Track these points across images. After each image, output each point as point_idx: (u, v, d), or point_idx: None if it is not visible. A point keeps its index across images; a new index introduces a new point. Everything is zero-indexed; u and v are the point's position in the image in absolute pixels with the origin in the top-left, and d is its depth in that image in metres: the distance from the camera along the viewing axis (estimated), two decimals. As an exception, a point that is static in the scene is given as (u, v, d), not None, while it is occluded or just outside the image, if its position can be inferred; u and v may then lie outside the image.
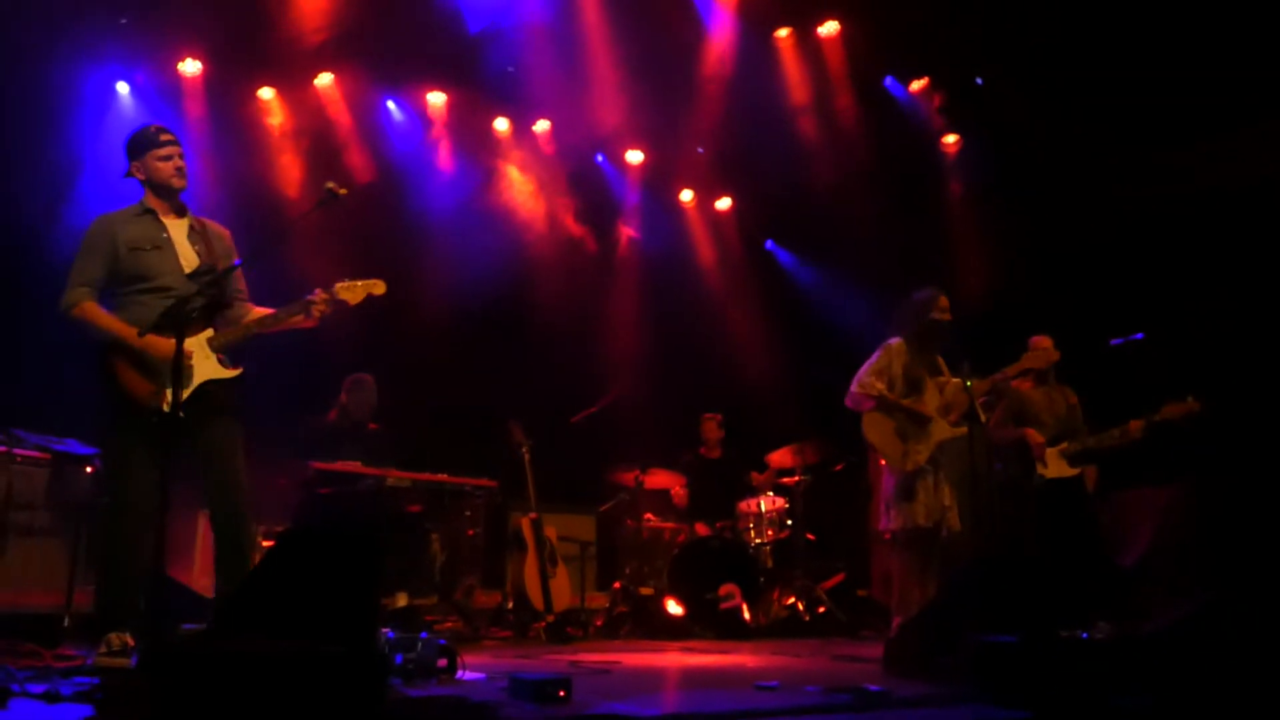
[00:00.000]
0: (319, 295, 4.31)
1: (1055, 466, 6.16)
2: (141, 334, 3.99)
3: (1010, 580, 4.27)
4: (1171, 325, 6.64)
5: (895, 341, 5.76)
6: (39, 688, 3.06)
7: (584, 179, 9.62)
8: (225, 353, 4.28)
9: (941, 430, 5.56)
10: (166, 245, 4.28)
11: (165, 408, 4.02)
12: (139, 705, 2.77)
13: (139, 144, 4.36)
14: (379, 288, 4.47)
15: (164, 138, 4.33)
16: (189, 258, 4.30)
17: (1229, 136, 7.54)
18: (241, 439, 4.32)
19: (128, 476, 4.11)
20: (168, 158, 4.31)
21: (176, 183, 4.34)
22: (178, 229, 4.35)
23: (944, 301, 5.72)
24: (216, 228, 4.50)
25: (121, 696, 2.93)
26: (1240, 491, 6.37)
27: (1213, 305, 7.23)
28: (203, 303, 4.11)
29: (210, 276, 4.17)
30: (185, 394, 4.11)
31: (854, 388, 5.72)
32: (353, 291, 4.40)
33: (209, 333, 4.26)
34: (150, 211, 4.33)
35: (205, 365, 4.22)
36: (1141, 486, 6.79)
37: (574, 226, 9.52)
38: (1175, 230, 7.67)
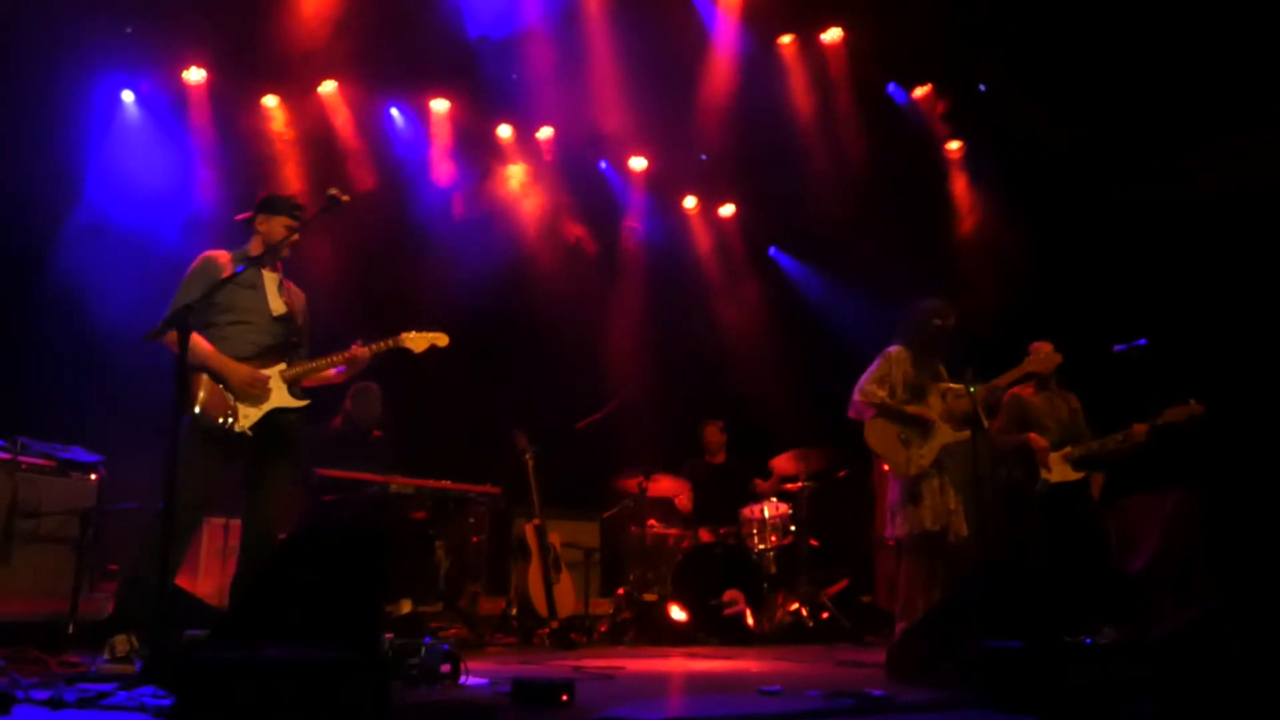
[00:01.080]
0: (356, 350, 4.81)
1: (1059, 471, 6.16)
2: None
3: (1015, 586, 4.26)
4: (1175, 330, 6.62)
5: (896, 349, 5.76)
6: (43, 694, 3.07)
7: (587, 186, 9.63)
8: (294, 386, 4.73)
9: (945, 434, 5.56)
10: (260, 290, 4.76)
11: (236, 428, 4.52)
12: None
13: (277, 206, 4.82)
14: (442, 340, 5.04)
15: (297, 213, 4.80)
16: (276, 305, 4.79)
17: (1232, 141, 7.53)
18: (295, 472, 4.96)
19: (183, 486, 4.19)
20: (293, 229, 4.74)
21: (285, 252, 4.83)
22: (270, 280, 4.83)
23: (945, 311, 5.73)
24: (296, 289, 4.98)
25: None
26: (1245, 496, 6.35)
27: (1216, 310, 7.22)
28: (272, 341, 4.70)
29: (289, 325, 4.78)
30: (257, 416, 4.59)
31: (856, 396, 5.73)
32: (416, 342, 4.95)
33: (282, 366, 4.71)
34: (252, 260, 4.75)
35: (278, 393, 4.67)
36: (1146, 492, 6.77)
37: (577, 234, 9.53)
38: (1178, 234, 7.65)
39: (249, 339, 4.65)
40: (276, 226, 4.75)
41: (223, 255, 4.77)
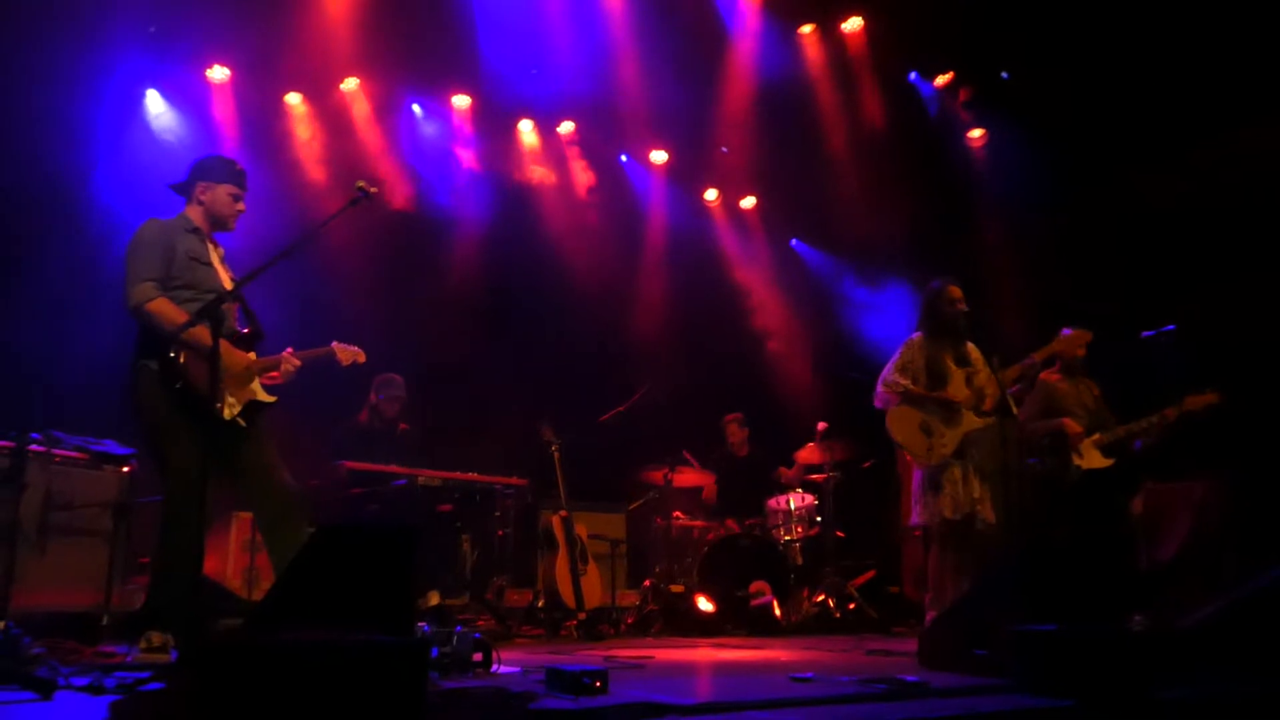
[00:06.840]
0: (287, 354, 4.53)
1: (1090, 457, 6.13)
2: (191, 324, 4.00)
3: (1045, 572, 4.24)
4: (1202, 316, 6.57)
5: (916, 336, 5.77)
6: (83, 680, 3.11)
7: (609, 179, 9.64)
8: (260, 380, 4.47)
9: (969, 421, 5.54)
10: (211, 265, 4.45)
11: (227, 414, 4.23)
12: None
13: (221, 172, 4.53)
14: (362, 357, 4.86)
15: (244, 183, 4.56)
16: (226, 281, 4.48)
17: (1262, 128, 7.45)
18: (278, 458, 4.49)
19: (189, 469, 4.05)
20: (238, 199, 4.53)
21: (231, 225, 4.56)
22: (215, 255, 4.54)
23: (955, 291, 5.71)
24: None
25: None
26: (1274, 484, 6.30)
27: (1243, 296, 7.15)
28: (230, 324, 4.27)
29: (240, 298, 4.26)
30: (239, 406, 4.30)
31: (880, 387, 5.74)
32: (343, 354, 4.78)
33: (251, 356, 4.42)
34: (198, 230, 4.48)
35: (255, 386, 4.42)
36: (1175, 480, 6.73)
37: (599, 228, 9.54)
38: (1205, 220, 7.58)
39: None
40: (222, 195, 4.47)
41: (166, 222, 4.40)
